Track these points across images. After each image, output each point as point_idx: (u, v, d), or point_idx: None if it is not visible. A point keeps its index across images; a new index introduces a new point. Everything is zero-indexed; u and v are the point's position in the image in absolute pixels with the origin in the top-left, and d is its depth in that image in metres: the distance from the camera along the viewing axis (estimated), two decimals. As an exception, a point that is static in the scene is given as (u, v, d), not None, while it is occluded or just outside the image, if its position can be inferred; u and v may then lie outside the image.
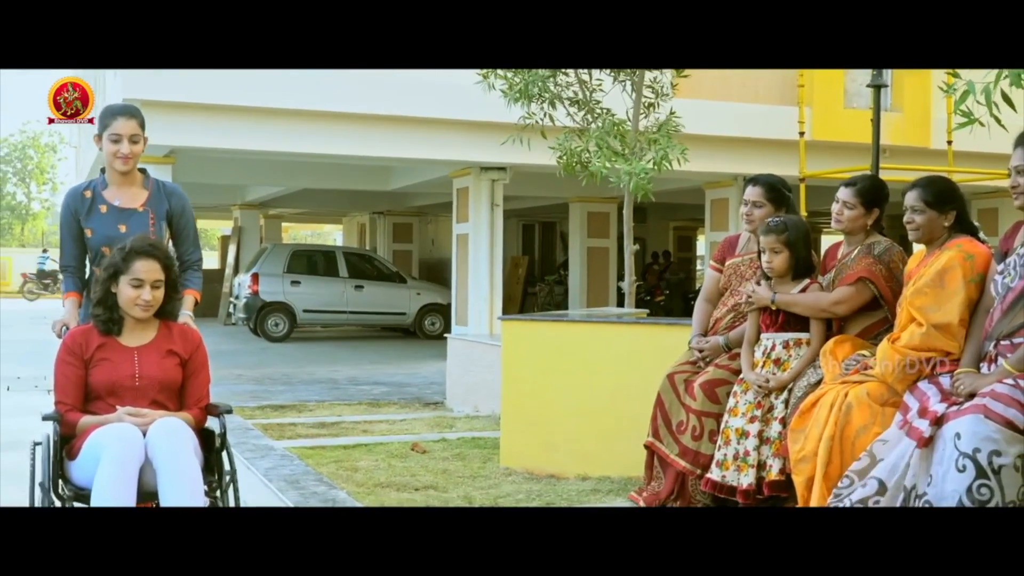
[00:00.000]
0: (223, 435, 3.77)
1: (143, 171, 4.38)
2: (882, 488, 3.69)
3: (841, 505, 3.76)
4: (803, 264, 4.67)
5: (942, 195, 4.17)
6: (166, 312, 3.89)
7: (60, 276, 4.39)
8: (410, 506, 5.23)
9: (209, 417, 3.93)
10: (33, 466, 3.67)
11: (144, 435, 3.55)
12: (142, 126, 4.27)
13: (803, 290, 4.64)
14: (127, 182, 4.31)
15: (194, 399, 3.89)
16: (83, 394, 3.76)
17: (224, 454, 3.76)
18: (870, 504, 3.69)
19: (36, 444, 3.72)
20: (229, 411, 3.88)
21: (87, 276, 4.32)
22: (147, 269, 3.75)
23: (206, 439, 3.82)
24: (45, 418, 3.66)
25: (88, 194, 4.29)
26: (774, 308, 4.65)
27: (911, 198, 4.19)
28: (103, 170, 4.36)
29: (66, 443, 3.68)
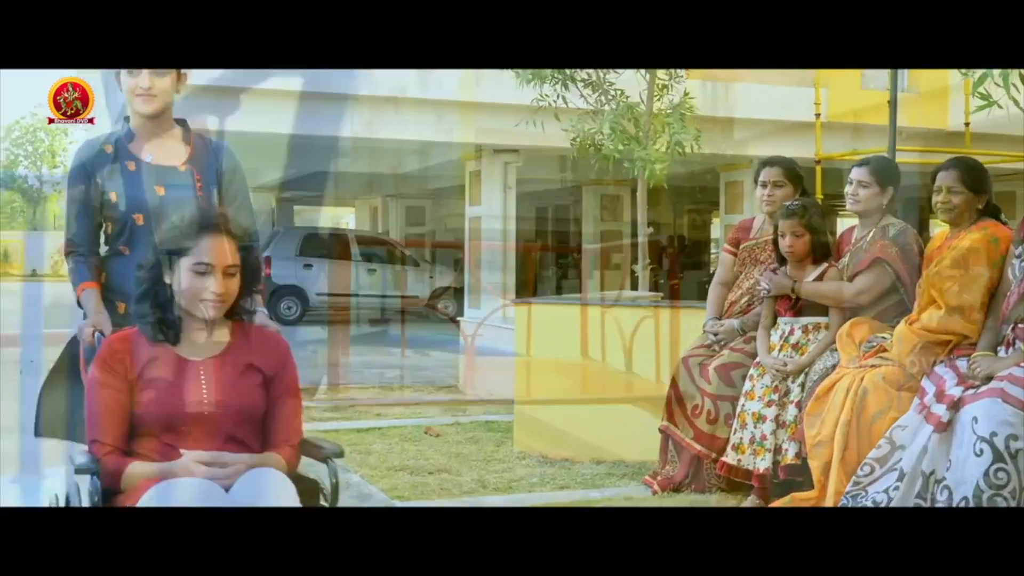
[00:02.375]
0: (334, 488, 2.74)
1: (181, 123, 3.46)
2: (901, 475, 3.67)
3: (862, 494, 3.75)
4: (822, 247, 4.64)
5: (980, 178, 4.15)
6: (242, 310, 2.81)
7: (67, 261, 3.40)
8: (423, 491, 5.22)
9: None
10: None
11: (226, 492, 2.54)
12: None
13: (822, 274, 4.61)
14: (159, 131, 3.38)
15: (283, 435, 2.77)
16: (127, 429, 2.66)
17: None
18: (891, 492, 3.67)
19: (57, 503, 2.76)
20: (340, 454, 2.81)
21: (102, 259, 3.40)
22: (217, 250, 2.68)
23: (303, 490, 2.71)
24: (79, 470, 2.60)
25: (109, 149, 3.34)
26: (794, 297, 4.63)
27: (949, 178, 4.11)
28: (127, 119, 3.42)
29: (105, 501, 2.60)
